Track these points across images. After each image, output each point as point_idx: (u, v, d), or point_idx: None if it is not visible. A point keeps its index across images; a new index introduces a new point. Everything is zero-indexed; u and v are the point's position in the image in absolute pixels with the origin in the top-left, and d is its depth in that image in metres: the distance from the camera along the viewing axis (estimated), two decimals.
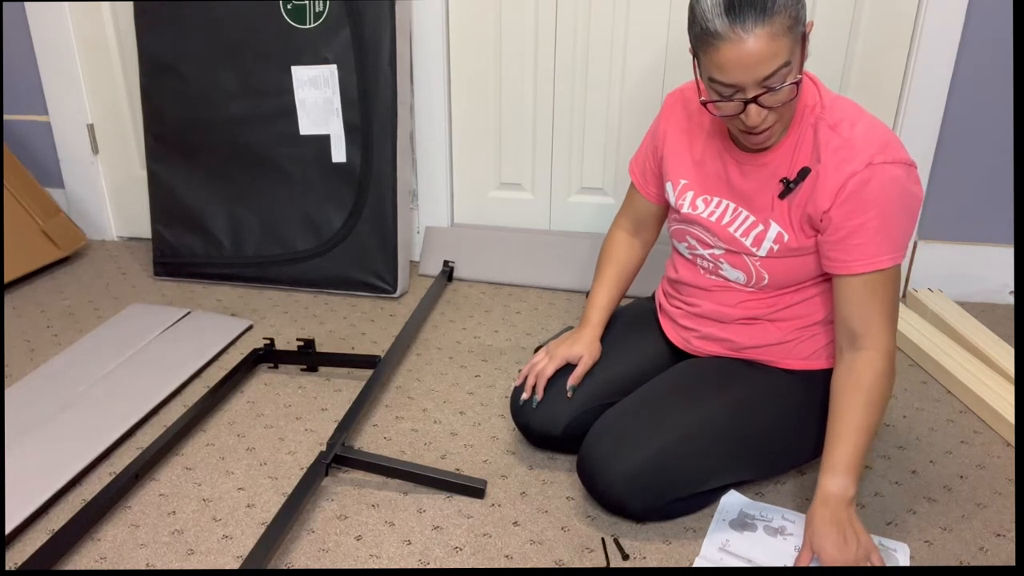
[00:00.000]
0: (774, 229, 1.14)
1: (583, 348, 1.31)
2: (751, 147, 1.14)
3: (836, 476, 1.09)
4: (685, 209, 1.24)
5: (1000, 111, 1.82)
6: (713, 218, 1.20)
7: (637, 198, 1.38)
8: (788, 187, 1.11)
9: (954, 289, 1.97)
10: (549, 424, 1.31)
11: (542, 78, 2.02)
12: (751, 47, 0.96)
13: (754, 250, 1.17)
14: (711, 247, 1.22)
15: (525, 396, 1.32)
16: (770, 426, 1.20)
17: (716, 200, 1.21)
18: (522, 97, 2.05)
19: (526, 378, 1.34)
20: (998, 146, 1.85)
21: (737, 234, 1.18)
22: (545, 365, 1.31)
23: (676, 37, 1.90)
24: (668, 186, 1.27)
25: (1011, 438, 1.42)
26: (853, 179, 1.05)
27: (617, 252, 1.40)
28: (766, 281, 1.18)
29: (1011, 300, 1.97)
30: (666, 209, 1.36)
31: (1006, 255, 1.93)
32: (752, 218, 1.16)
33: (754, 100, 1.01)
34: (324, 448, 1.37)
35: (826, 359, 1.25)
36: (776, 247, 1.15)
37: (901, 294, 2.00)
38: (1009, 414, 1.45)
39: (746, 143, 1.12)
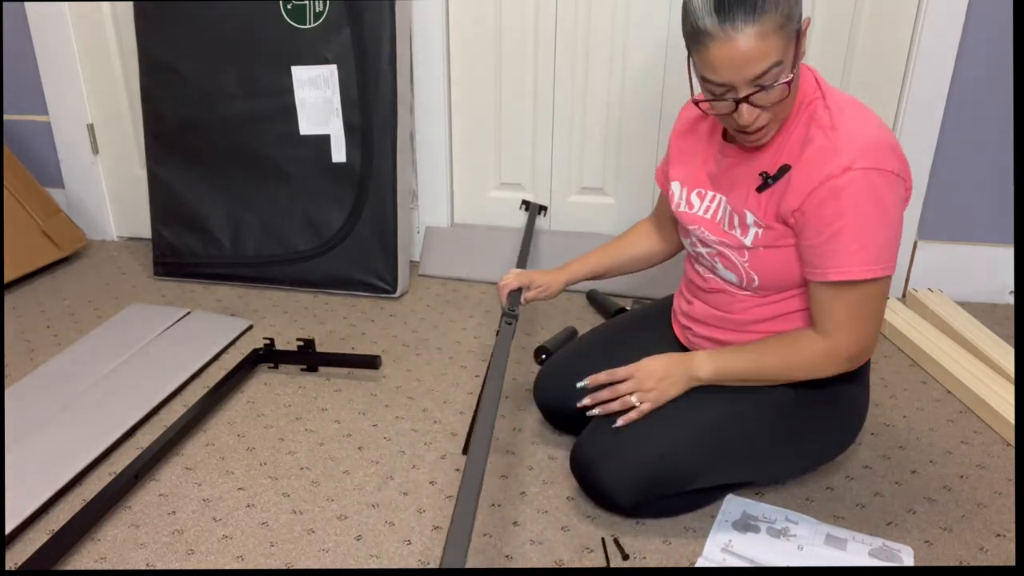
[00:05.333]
0: (750, 218, 1.13)
1: (546, 280, 1.42)
2: (746, 144, 1.13)
3: (708, 357, 1.18)
4: (682, 208, 1.25)
5: (1000, 111, 1.82)
6: (708, 214, 1.20)
7: (662, 197, 1.42)
8: (766, 182, 1.09)
9: (954, 289, 1.97)
10: (562, 401, 1.36)
11: (542, 78, 2.02)
12: (741, 46, 0.95)
13: (739, 236, 1.15)
14: (706, 245, 1.22)
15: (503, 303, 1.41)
16: (758, 432, 1.19)
17: (709, 194, 1.21)
18: (522, 97, 2.05)
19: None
20: (998, 146, 1.85)
21: (724, 226, 1.17)
22: (509, 281, 1.41)
23: (676, 37, 1.90)
24: (673, 186, 1.28)
25: (1011, 438, 1.42)
26: (828, 183, 1.02)
27: (629, 234, 1.48)
28: (756, 283, 1.17)
29: (1011, 300, 1.96)
30: None
31: (1006, 255, 1.93)
32: (731, 209, 1.16)
33: (745, 99, 1.00)
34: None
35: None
36: (758, 232, 1.13)
37: (901, 294, 2.00)
38: (1009, 414, 1.45)
39: (741, 142, 1.12)
